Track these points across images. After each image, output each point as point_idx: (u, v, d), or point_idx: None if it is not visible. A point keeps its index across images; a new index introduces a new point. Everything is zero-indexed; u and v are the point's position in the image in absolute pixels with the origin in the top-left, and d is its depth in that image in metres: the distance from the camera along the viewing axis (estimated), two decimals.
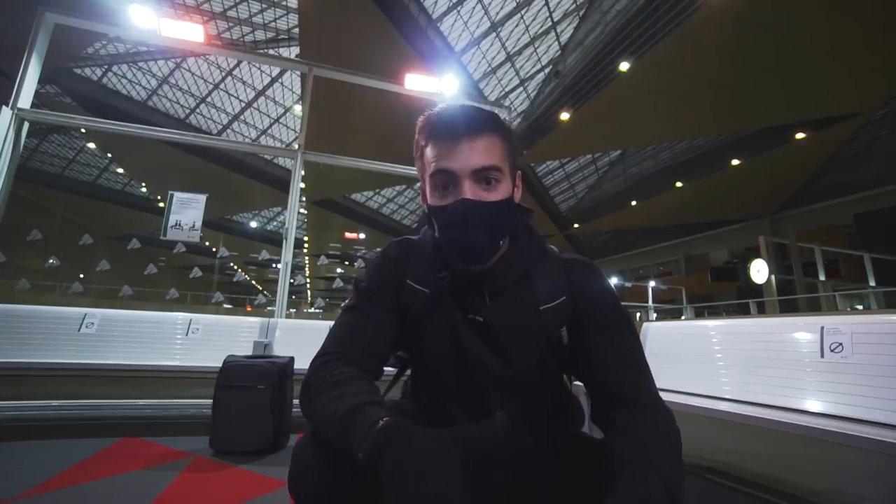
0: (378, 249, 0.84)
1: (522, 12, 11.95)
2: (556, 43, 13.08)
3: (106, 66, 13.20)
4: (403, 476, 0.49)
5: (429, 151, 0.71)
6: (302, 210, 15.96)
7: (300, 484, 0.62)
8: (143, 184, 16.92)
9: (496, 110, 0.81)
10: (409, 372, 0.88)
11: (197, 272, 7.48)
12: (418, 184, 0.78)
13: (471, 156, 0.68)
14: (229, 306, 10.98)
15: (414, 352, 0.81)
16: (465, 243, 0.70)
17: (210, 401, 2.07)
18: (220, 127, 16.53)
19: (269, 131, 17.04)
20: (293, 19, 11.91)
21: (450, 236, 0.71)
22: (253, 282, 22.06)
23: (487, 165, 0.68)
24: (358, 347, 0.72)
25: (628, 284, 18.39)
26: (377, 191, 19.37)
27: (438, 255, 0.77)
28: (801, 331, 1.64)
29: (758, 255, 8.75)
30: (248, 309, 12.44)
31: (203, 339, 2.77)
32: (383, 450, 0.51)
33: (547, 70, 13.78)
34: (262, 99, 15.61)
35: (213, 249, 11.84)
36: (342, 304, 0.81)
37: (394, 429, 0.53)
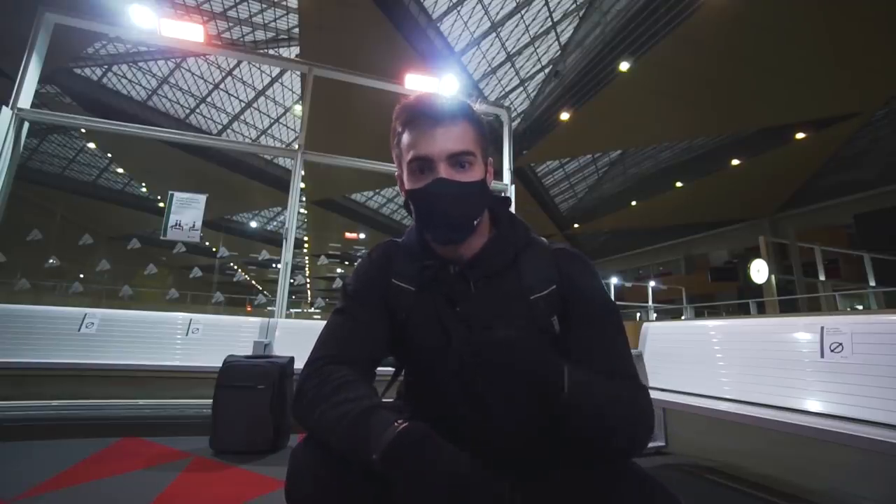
0: None
1: (522, 12, 11.94)
2: (556, 43, 13.06)
3: (106, 66, 13.17)
4: (429, 481, 0.52)
5: (405, 138, 0.74)
6: (302, 210, 15.96)
7: (299, 489, 0.61)
8: (143, 184, 16.90)
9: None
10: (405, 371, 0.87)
11: (197, 272, 7.46)
12: None
13: (446, 141, 0.71)
14: (228, 306, 10.96)
15: (406, 351, 0.80)
16: (443, 219, 0.72)
17: (210, 401, 2.07)
18: (220, 127, 16.49)
19: (269, 131, 17.03)
20: (293, 19, 11.89)
21: (427, 214, 0.74)
22: (253, 282, 22.03)
23: (462, 150, 0.72)
24: (349, 350, 0.72)
25: (628, 284, 18.33)
26: (377, 191, 19.34)
27: (422, 249, 0.79)
28: (801, 331, 1.64)
29: (758, 255, 8.75)
30: (248, 309, 12.44)
31: (203, 339, 2.78)
32: (405, 453, 0.53)
33: (547, 70, 13.76)
34: (262, 99, 15.58)
35: (213, 249, 11.82)
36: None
37: (413, 434, 0.55)
